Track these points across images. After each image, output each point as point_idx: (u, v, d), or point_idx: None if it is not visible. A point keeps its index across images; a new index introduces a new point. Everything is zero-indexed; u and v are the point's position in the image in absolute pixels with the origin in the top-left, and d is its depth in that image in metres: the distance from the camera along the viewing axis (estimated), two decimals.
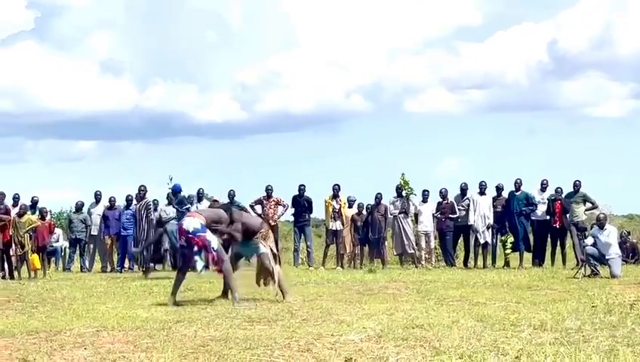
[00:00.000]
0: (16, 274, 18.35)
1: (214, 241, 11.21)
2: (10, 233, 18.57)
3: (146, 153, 63.93)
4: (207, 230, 11.24)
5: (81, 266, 21.37)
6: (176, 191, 18.54)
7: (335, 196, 20.72)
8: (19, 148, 67.92)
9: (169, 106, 59.35)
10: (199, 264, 11.35)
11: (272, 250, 11.92)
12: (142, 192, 19.18)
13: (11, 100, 60.74)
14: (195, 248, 11.19)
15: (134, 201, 20.47)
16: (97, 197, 21.47)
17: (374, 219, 20.52)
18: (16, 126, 62.46)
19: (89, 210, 21.41)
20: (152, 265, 18.64)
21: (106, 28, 61.22)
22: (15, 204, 19.75)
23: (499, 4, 63.22)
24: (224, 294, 11.78)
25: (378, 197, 20.72)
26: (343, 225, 20.63)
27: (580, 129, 60.30)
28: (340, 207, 20.63)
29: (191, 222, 11.29)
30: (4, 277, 18.16)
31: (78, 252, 21.57)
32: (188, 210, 17.19)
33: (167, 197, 20.55)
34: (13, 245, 18.55)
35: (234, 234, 11.67)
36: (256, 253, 11.91)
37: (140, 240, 18.94)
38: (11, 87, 58.29)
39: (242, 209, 19.80)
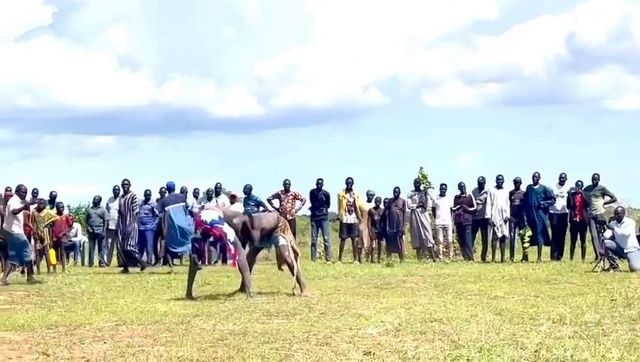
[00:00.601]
0: (35, 268, 18.42)
1: (231, 234, 11.27)
2: (30, 227, 18.65)
3: (163, 148, 63.89)
4: (225, 223, 11.30)
5: (100, 260, 21.46)
6: (169, 188, 18.54)
7: (349, 189, 20.67)
8: (37, 143, 68.03)
9: (186, 101, 59.27)
10: (214, 256, 11.44)
11: (291, 243, 11.97)
12: (125, 186, 19.16)
13: (29, 95, 60.89)
14: (212, 238, 11.27)
15: (119, 195, 20.53)
16: (116, 192, 21.45)
17: (392, 213, 20.48)
18: (35, 121, 62.51)
19: (107, 204, 21.46)
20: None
21: (123, 23, 61.19)
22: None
23: None
24: (242, 288, 11.81)
25: (396, 191, 20.68)
26: (357, 218, 20.59)
27: (598, 122, 59.82)
28: (354, 200, 20.58)
29: (209, 214, 11.42)
30: (23, 272, 18.23)
31: (96, 246, 21.66)
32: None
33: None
34: (32, 240, 18.63)
35: (253, 237, 11.73)
36: (276, 245, 11.94)
37: (126, 234, 18.75)
38: (29, 83, 58.34)
39: (259, 203, 20.00)
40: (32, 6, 64.04)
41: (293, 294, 11.58)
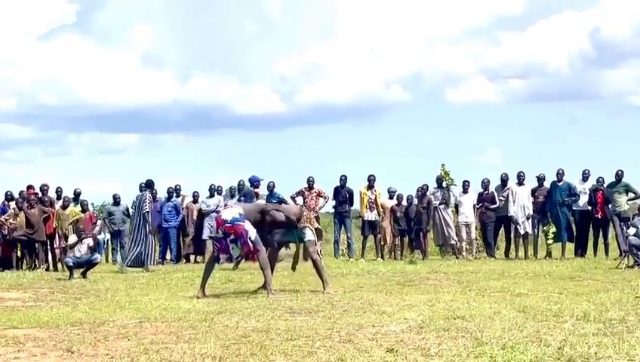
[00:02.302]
0: (59, 265, 18.55)
1: (252, 232, 11.22)
2: (54, 225, 18.80)
3: (186, 146, 64.28)
4: (246, 221, 11.27)
5: (123, 258, 21.50)
6: (252, 182, 18.20)
7: (370, 186, 20.68)
8: (61, 141, 68.68)
9: (209, 99, 59.63)
10: (235, 252, 11.44)
11: (317, 231, 11.97)
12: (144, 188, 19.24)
13: (54, 94, 61.36)
14: (232, 236, 11.24)
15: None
16: (142, 190, 21.59)
17: (418, 210, 20.47)
18: (59, 119, 63.13)
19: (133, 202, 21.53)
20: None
21: (146, 21, 61.63)
22: (58, 197, 19.96)
23: None
24: (264, 285, 11.81)
25: (423, 189, 20.66)
26: (379, 215, 20.59)
27: (622, 118, 59.49)
28: (375, 197, 20.58)
29: (230, 212, 11.40)
30: (47, 269, 18.38)
31: (118, 244, 21.69)
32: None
33: (209, 189, 20.73)
34: (57, 237, 18.78)
35: (277, 218, 11.70)
36: (302, 240, 11.92)
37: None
38: (53, 81, 58.89)
39: (282, 201, 20.02)
40: (56, 4, 64.49)
41: (323, 290, 11.54)
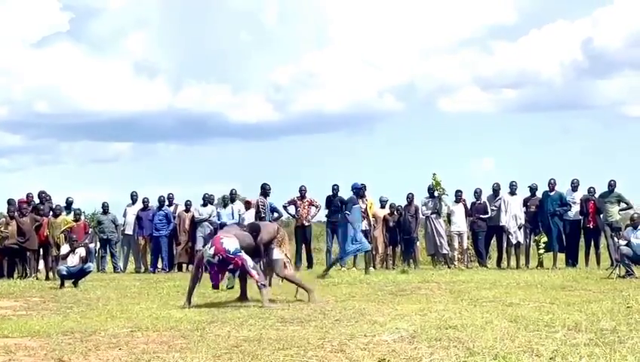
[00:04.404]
0: (51, 274, 18.50)
1: (249, 260, 11.26)
2: (46, 234, 18.75)
3: (180, 154, 64.11)
4: (242, 250, 11.30)
5: (114, 266, 21.49)
6: (356, 189, 18.17)
7: (361, 196, 20.64)
8: (54, 149, 68.42)
9: (203, 107, 59.52)
10: (229, 282, 11.57)
11: (286, 256, 11.99)
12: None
13: (46, 101, 61.16)
14: (231, 266, 11.26)
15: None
16: (134, 198, 21.60)
17: (405, 219, 20.51)
18: (52, 127, 62.80)
19: (125, 210, 21.52)
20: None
21: (140, 29, 61.52)
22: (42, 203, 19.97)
23: (533, 2, 62.57)
24: (242, 296, 11.79)
25: (409, 198, 20.70)
26: (369, 225, 20.57)
27: (615, 128, 59.50)
28: (366, 207, 20.56)
29: (231, 243, 11.29)
30: (38, 278, 18.31)
31: (108, 252, 21.65)
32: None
33: (202, 198, 20.73)
34: (49, 246, 18.73)
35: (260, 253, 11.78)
36: (269, 258, 11.91)
37: None
38: (46, 89, 58.69)
39: (274, 209, 20.01)
40: (50, 12, 64.34)
41: (309, 300, 11.58)
